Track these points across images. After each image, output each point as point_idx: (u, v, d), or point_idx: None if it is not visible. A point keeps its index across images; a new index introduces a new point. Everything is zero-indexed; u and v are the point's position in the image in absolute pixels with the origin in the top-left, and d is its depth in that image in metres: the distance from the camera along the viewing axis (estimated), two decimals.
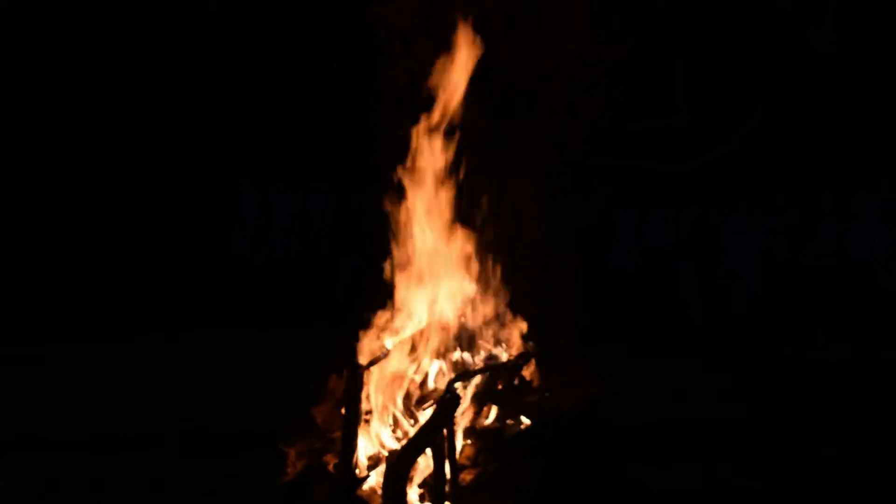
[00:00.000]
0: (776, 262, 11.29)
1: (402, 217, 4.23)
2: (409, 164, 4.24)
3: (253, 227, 13.36)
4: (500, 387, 4.08)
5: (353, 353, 4.02)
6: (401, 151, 4.47)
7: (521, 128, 4.72)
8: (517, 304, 4.27)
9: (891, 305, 10.62)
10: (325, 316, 8.63)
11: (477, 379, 4.07)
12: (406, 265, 4.20)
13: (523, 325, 4.26)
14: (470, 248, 4.24)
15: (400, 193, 4.24)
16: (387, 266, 4.22)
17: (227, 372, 8.62)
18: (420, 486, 3.80)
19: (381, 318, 4.17)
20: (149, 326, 10.89)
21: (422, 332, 4.13)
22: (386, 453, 3.85)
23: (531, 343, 4.23)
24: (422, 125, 4.19)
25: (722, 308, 11.43)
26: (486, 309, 4.25)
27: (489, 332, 4.25)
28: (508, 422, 4.03)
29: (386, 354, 4.03)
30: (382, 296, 4.19)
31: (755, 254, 11.43)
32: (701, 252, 11.69)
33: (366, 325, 4.12)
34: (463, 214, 4.26)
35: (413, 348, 4.12)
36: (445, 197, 4.24)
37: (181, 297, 11.85)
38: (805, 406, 7.42)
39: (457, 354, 4.15)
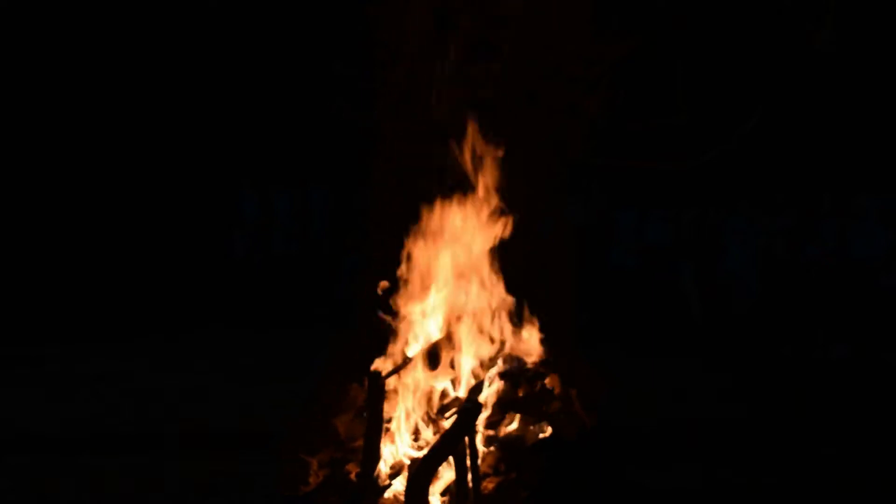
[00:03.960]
0: (776, 262, 11.31)
1: (419, 223, 4.21)
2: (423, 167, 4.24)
3: (253, 227, 13.38)
4: (521, 394, 4.06)
5: (374, 360, 3.99)
6: (399, 150, 4.46)
7: (521, 128, 4.71)
8: (531, 308, 4.24)
9: (891, 305, 10.62)
10: (325, 316, 8.63)
11: (498, 387, 4.04)
12: (423, 272, 4.18)
13: (542, 332, 4.23)
14: (488, 253, 4.23)
15: (416, 198, 4.23)
16: (401, 272, 4.19)
17: (227, 372, 8.62)
18: (442, 494, 3.79)
19: (400, 324, 4.14)
20: (149, 326, 10.90)
21: (442, 340, 4.09)
22: (408, 462, 3.84)
23: (551, 350, 4.20)
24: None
25: (722, 308, 11.44)
26: (506, 315, 4.23)
27: (509, 340, 4.22)
28: (530, 429, 4.02)
29: (407, 362, 4.00)
30: (396, 302, 4.16)
31: (755, 254, 11.44)
32: (701, 252, 11.70)
33: (385, 331, 4.10)
34: (480, 217, 4.24)
35: (434, 356, 4.08)
36: (463, 202, 4.23)
37: (181, 297, 11.86)
38: (805, 406, 7.41)
39: (478, 362, 4.12)
